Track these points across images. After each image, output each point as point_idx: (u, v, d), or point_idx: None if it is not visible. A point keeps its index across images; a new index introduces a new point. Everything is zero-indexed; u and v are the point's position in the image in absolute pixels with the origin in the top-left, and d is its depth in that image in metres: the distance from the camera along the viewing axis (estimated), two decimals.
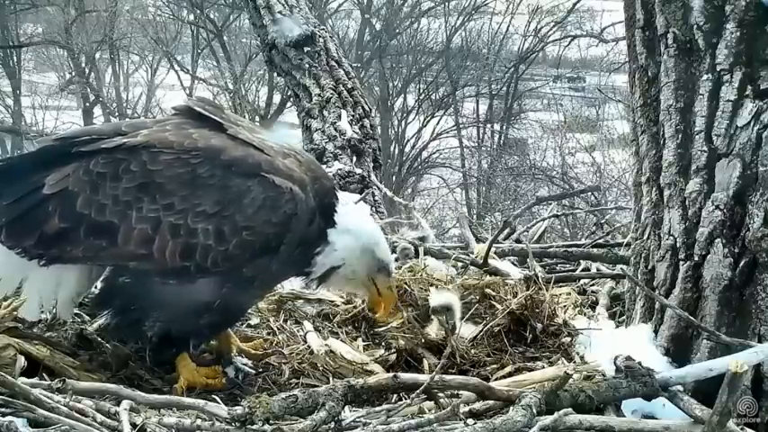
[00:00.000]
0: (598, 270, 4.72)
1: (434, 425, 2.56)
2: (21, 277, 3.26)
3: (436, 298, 3.87)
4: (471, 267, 4.44)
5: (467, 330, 3.76)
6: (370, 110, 7.38)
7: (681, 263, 3.08)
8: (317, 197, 3.24)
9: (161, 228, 3.04)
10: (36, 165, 3.19)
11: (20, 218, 3.11)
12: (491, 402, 2.80)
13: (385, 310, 3.52)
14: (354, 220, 3.35)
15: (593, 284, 4.62)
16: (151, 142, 3.12)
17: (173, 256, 3.05)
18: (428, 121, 26.77)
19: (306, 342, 3.62)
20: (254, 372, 3.39)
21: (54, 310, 3.45)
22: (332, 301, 3.98)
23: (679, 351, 3.08)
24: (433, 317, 3.79)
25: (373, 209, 6.50)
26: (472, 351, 3.62)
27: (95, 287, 3.37)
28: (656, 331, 3.18)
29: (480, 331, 3.71)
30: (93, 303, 3.44)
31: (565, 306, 4.08)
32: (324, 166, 6.51)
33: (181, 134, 3.16)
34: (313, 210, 3.20)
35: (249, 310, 3.69)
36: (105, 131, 3.22)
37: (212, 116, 3.26)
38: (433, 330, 3.76)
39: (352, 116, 7.07)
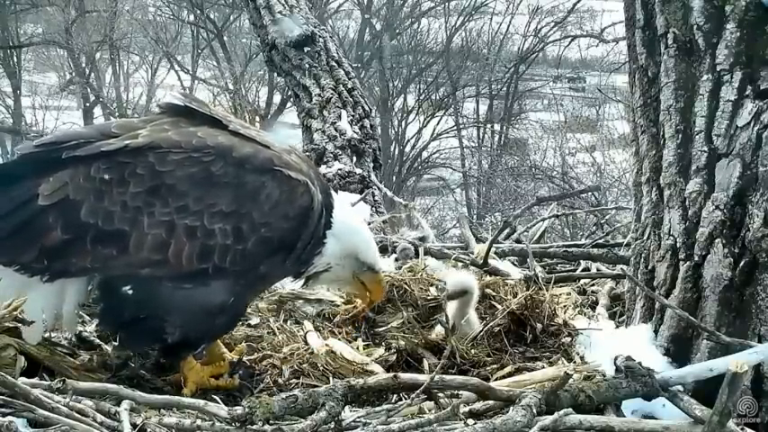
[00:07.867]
0: (598, 270, 4.72)
1: (434, 425, 2.56)
2: (18, 295, 3.10)
3: (453, 280, 3.83)
4: (471, 267, 4.44)
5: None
6: (371, 110, 7.39)
7: (681, 263, 3.08)
8: (322, 194, 3.21)
9: (176, 231, 2.95)
10: (22, 174, 2.98)
11: (15, 232, 2.92)
12: (491, 402, 2.80)
13: (372, 302, 3.58)
14: (342, 221, 3.29)
15: (593, 284, 4.63)
16: (156, 143, 2.99)
17: (189, 259, 2.96)
18: (428, 122, 26.77)
19: (306, 342, 3.61)
20: (250, 371, 3.36)
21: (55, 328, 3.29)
22: (332, 301, 3.98)
23: (679, 351, 3.08)
24: (448, 302, 3.75)
25: (373, 209, 6.50)
26: (472, 351, 3.62)
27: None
28: (656, 331, 3.18)
29: (480, 331, 3.71)
30: (99, 320, 3.24)
31: (565, 306, 4.08)
32: (324, 167, 6.55)
33: (184, 133, 3.06)
34: (322, 206, 3.17)
35: (249, 310, 3.66)
36: (93, 135, 3.04)
37: (205, 112, 3.18)
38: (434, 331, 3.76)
39: (353, 116, 7.08)
